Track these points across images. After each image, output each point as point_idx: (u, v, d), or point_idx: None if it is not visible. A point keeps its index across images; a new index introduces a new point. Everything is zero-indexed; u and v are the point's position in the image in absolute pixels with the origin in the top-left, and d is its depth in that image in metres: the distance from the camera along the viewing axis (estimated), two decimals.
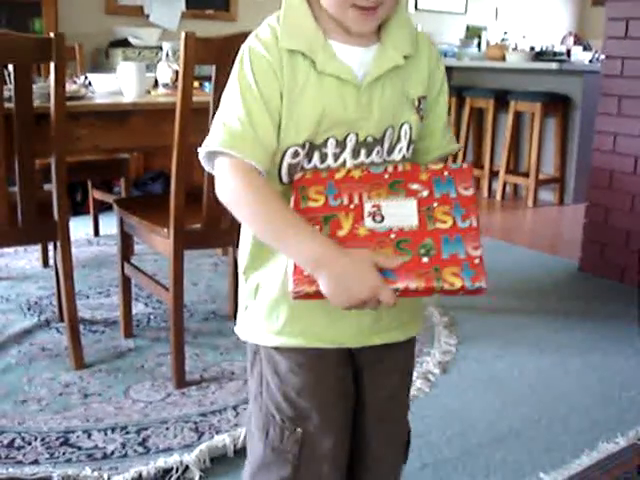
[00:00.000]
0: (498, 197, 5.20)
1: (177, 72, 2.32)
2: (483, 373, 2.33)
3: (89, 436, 1.88)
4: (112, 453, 1.80)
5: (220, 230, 2.19)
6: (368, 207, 0.98)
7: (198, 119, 1.98)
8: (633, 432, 1.98)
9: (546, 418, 2.05)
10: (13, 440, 1.85)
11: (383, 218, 0.97)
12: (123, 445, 1.84)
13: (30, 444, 1.83)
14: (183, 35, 1.95)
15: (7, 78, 2.06)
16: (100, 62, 4.61)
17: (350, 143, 1.02)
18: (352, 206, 0.98)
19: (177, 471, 1.73)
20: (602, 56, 3.46)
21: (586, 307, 2.98)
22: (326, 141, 1.01)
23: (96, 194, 3.69)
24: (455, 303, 2.90)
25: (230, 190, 0.98)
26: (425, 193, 0.99)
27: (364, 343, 1.10)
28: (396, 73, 1.03)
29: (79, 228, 3.77)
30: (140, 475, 1.70)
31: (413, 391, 2.14)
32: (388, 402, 1.17)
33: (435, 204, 0.98)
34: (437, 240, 0.95)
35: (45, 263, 3.26)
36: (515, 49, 5.89)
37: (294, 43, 0.99)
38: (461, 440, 1.92)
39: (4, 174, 2.05)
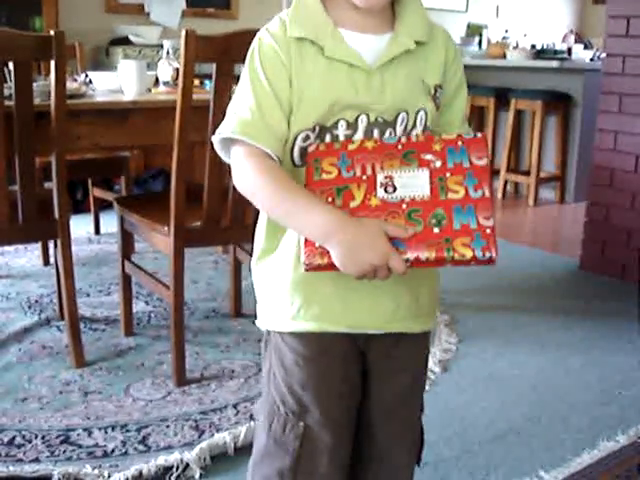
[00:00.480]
0: (499, 195, 5.19)
1: (177, 70, 2.32)
2: (483, 371, 2.33)
3: (89, 434, 1.88)
4: (112, 451, 1.80)
5: (220, 228, 2.19)
6: (380, 178, 0.98)
7: (198, 117, 1.97)
8: (634, 430, 1.98)
9: (546, 416, 2.05)
10: (13, 438, 1.85)
11: (395, 189, 0.97)
12: (123, 443, 1.84)
13: (30, 442, 1.83)
14: (184, 33, 1.94)
15: (7, 76, 2.06)
16: (100, 60, 4.61)
17: (362, 124, 1.03)
18: (364, 177, 0.98)
19: (177, 469, 1.73)
20: (603, 54, 3.46)
21: (587, 305, 2.98)
22: (336, 123, 1.03)
23: (96, 192, 3.69)
24: (456, 301, 2.90)
25: (245, 176, 1.01)
26: (438, 163, 0.98)
27: (379, 329, 1.09)
28: (410, 58, 1.05)
29: (79, 226, 3.77)
30: (140, 473, 1.71)
31: None
32: (397, 401, 1.17)
33: (448, 174, 0.97)
34: (449, 210, 0.95)
35: (46, 261, 3.26)
36: (516, 47, 5.89)
37: (302, 31, 1.01)
38: (461, 438, 1.92)
39: (4, 172, 2.04)
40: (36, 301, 2.82)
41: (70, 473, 1.69)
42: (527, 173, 5.10)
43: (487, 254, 0.92)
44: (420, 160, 0.99)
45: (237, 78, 1.14)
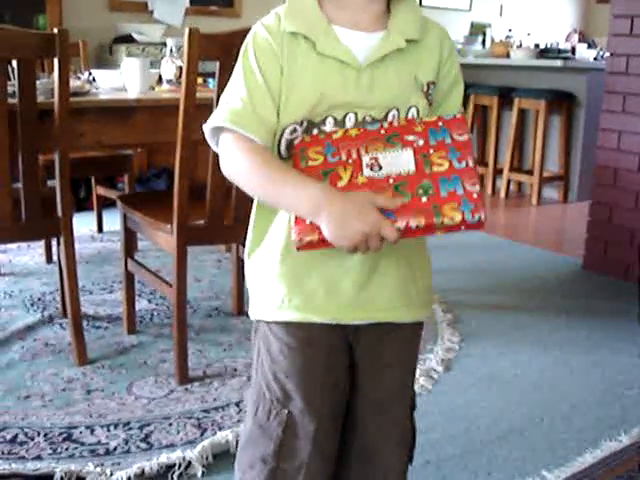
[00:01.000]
0: (502, 195, 5.19)
1: (181, 68, 2.32)
2: (486, 371, 2.33)
3: (92, 432, 1.88)
4: (115, 449, 1.80)
5: (223, 226, 2.19)
6: (366, 160, 1.00)
7: (202, 115, 1.96)
8: (636, 430, 1.97)
9: (549, 416, 2.05)
10: (16, 436, 1.85)
11: (381, 167, 0.99)
12: (126, 441, 1.84)
13: (33, 440, 1.83)
14: (187, 31, 1.95)
15: (11, 74, 2.06)
16: (104, 58, 4.61)
17: (349, 122, 1.04)
18: (350, 161, 1.00)
19: (180, 467, 1.73)
20: (607, 53, 3.45)
21: (589, 305, 2.97)
22: (324, 120, 1.04)
23: (100, 190, 3.69)
24: (458, 300, 2.90)
25: (232, 158, 1.03)
26: (421, 142, 1.00)
27: (365, 319, 1.10)
28: (401, 56, 1.05)
29: (83, 224, 3.77)
30: (143, 471, 1.71)
31: (416, 388, 2.14)
32: (385, 396, 1.17)
33: (431, 151, 0.99)
34: (435, 181, 0.97)
35: (49, 259, 3.26)
36: (520, 46, 5.89)
37: (296, 26, 1.03)
38: (464, 438, 1.92)
39: (8, 170, 2.05)
40: (39, 299, 2.82)
41: (72, 471, 1.69)
42: (530, 172, 5.10)
43: (476, 216, 0.93)
44: (403, 141, 1.00)
45: None
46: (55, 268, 2.75)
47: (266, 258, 1.11)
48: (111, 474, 1.69)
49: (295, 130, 1.03)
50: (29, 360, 2.29)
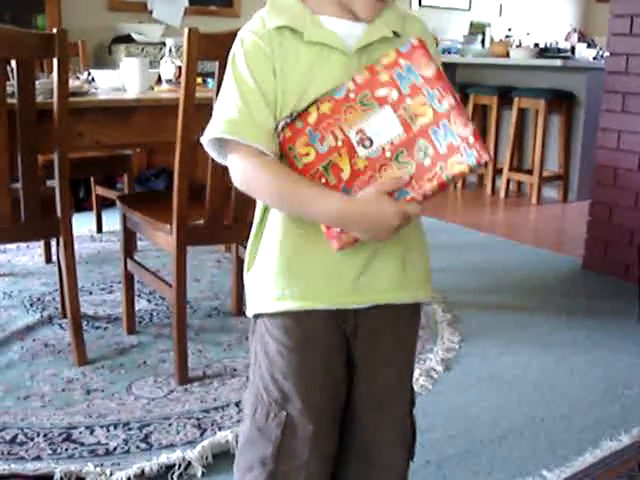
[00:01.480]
0: (502, 194, 5.18)
1: (180, 68, 2.32)
2: (486, 370, 2.32)
3: (92, 432, 1.88)
4: (115, 449, 1.80)
5: (223, 226, 2.19)
6: (353, 136, 0.99)
7: (201, 115, 1.96)
8: (636, 430, 1.97)
9: (549, 416, 2.05)
10: (16, 436, 1.85)
11: (371, 141, 0.99)
12: (126, 441, 1.84)
13: (33, 440, 1.83)
14: (186, 31, 1.94)
15: (10, 74, 2.06)
16: (103, 58, 4.61)
17: None
18: (340, 142, 0.99)
19: (179, 467, 1.73)
20: (606, 53, 3.45)
21: (589, 305, 2.97)
22: (314, 101, 1.02)
23: (99, 190, 3.69)
24: (458, 300, 2.90)
25: (245, 178, 1.04)
26: (395, 94, 0.98)
27: (363, 303, 1.10)
28: (386, 47, 1.05)
29: (82, 224, 3.77)
30: (142, 471, 1.70)
31: (416, 388, 2.13)
32: (384, 393, 1.17)
33: (408, 100, 0.98)
34: (427, 137, 0.97)
35: (48, 259, 3.26)
36: (519, 46, 5.88)
37: (281, 20, 1.03)
38: (464, 437, 1.92)
39: (7, 170, 2.04)
40: (38, 299, 2.82)
41: (72, 471, 1.69)
42: (530, 172, 5.09)
43: (481, 161, 0.95)
44: (377, 99, 0.99)
45: None
46: (54, 268, 2.75)
47: (264, 250, 1.11)
48: (111, 474, 1.69)
49: (286, 124, 1.02)
50: (28, 360, 2.29)
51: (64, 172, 2.13)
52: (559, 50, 5.58)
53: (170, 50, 2.71)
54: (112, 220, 3.61)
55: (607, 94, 3.34)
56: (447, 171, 0.96)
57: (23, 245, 3.50)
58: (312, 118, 1.00)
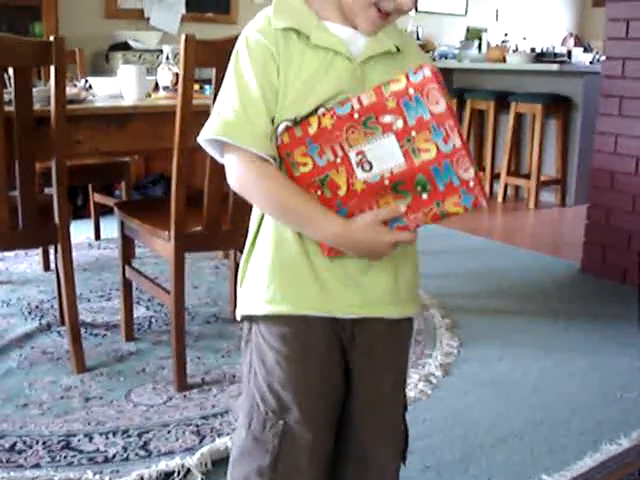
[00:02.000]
0: (499, 199, 5.19)
1: (177, 75, 2.32)
2: (485, 375, 2.32)
3: (90, 440, 1.87)
4: (114, 456, 1.80)
5: (221, 233, 2.19)
6: (353, 156, 0.99)
7: (198, 122, 1.97)
8: (636, 433, 1.97)
9: (548, 420, 2.05)
10: (14, 444, 1.84)
11: (371, 165, 0.99)
12: (124, 448, 1.83)
13: (31, 448, 1.83)
14: (183, 38, 1.95)
15: (7, 81, 2.06)
16: (100, 66, 4.62)
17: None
18: (338, 160, 0.99)
19: (179, 474, 1.72)
20: (603, 57, 3.46)
21: (588, 308, 2.97)
22: (316, 110, 1.02)
23: (97, 197, 3.69)
24: (457, 305, 2.90)
25: (240, 181, 1.05)
26: (400, 123, 0.96)
27: (355, 313, 1.10)
28: (388, 60, 1.06)
29: (80, 232, 3.77)
30: (142, 478, 1.70)
31: (415, 393, 2.14)
32: (379, 399, 1.17)
33: (413, 133, 0.96)
34: (427, 173, 0.97)
35: (46, 267, 3.25)
36: (516, 50, 5.89)
37: (287, 21, 1.03)
38: (463, 442, 1.92)
39: (5, 178, 2.04)
40: (37, 307, 2.82)
41: (71, 479, 1.69)
42: (527, 176, 5.10)
43: (478, 206, 0.97)
44: (382, 125, 0.97)
45: None
46: (52, 276, 2.75)
47: (257, 253, 1.11)
48: None
49: (287, 127, 1.02)
50: (27, 368, 2.28)
51: (62, 179, 2.13)
52: (555, 55, 5.59)
53: (167, 57, 2.72)
54: (110, 227, 3.61)
55: (604, 98, 3.35)
56: (443, 208, 0.98)
57: (21, 253, 3.49)
58: (312, 129, 0.99)
